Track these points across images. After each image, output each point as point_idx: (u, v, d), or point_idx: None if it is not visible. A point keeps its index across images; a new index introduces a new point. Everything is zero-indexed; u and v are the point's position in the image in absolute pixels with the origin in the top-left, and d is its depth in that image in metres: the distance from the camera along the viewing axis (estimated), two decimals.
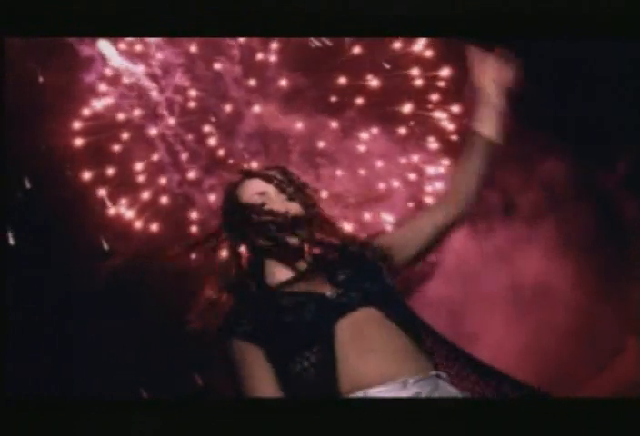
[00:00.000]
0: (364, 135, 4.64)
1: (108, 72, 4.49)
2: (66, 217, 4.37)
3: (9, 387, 2.55)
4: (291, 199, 2.22)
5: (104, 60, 4.45)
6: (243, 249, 2.21)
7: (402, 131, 4.65)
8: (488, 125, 2.20)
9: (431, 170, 4.68)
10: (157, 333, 4.29)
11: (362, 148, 4.66)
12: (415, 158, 4.66)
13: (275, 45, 4.61)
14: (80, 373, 4.07)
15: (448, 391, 1.98)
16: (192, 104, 4.62)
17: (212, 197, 4.53)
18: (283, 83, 4.62)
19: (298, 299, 2.07)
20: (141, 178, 4.55)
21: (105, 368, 4.11)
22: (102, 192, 4.47)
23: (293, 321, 2.03)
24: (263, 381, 2.01)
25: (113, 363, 4.14)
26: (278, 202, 2.20)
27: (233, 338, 2.06)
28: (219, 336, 2.09)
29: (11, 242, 4.14)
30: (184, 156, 4.59)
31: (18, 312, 3.81)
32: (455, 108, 4.58)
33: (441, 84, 4.58)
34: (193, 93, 4.62)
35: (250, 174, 2.25)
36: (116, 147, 4.50)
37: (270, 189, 2.21)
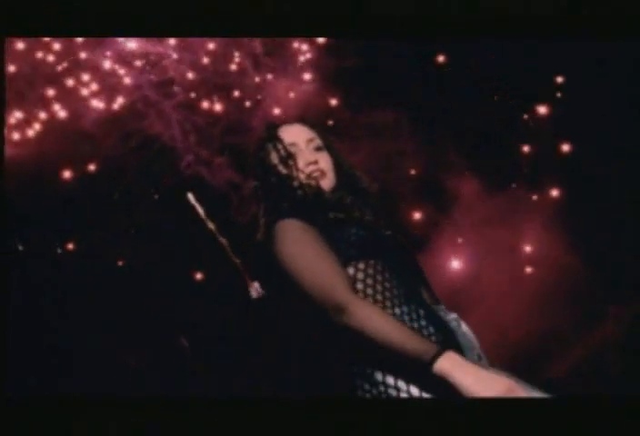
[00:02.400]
0: None
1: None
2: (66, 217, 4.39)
3: (9, 387, 2.56)
4: (318, 149, 2.29)
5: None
6: None
7: None
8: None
9: None
10: (157, 333, 4.30)
11: None
12: None
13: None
14: (80, 373, 4.07)
15: (467, 329, 2.08)
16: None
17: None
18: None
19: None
20: None
21: (105, 368, 4.11)
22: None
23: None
24: (331, 251, 1.99)
25: (113, 363, 4.15)
26: (307, 151, 2.26)
27: (290, 218, 2.05)
28: (269, 222, 2.09)
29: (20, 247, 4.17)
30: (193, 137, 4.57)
31: (18, 312, 3.82)
32: None
33: None
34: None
35: (277, 128, 2.30)
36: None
37: (300, 139, 2.27)
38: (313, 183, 2.20)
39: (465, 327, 2.08)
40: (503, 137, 4.49)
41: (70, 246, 4.43)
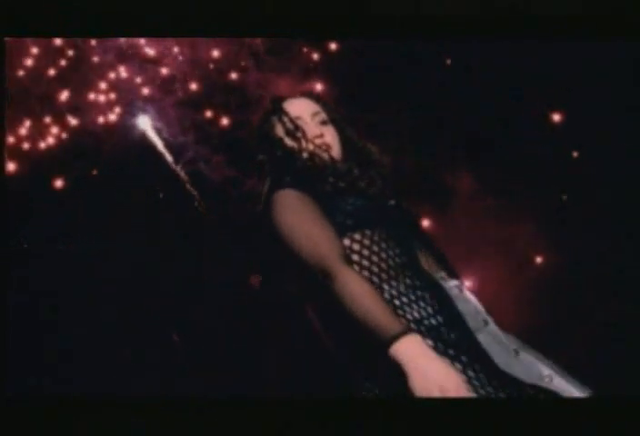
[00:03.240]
0: None
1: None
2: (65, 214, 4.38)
3: (9, 387, 2.55)
4: (324, 122, 2.25)
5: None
6: None
7: None
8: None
9: None
10: (157, 333, 4.29)
11: None
12: None
13: None
14: (80, 373, 4.07)
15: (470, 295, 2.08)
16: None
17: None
18: None
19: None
20: None
21: (105, 368, 4.11)
22: None
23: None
24: (326, 220, 1.98)
25: (113, 363, 4.14)
26: (312, 124, 2.23)
27: (287, 188, 2.03)
28: (268, 193, 2.07)
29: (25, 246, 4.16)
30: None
31: (18, 312, 3.81)
32: None
33: None
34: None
35: (282, 102, 2.26)
36: None
37: (305, 113, 2.24)
38: (322, 153, 2.18)
39: (467, 293, 2.06)
40: (505, 139, 4.49)
41: (70, 246, 4.43)
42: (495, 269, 4.31)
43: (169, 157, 4.23)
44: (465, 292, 2.06)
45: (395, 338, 1.79)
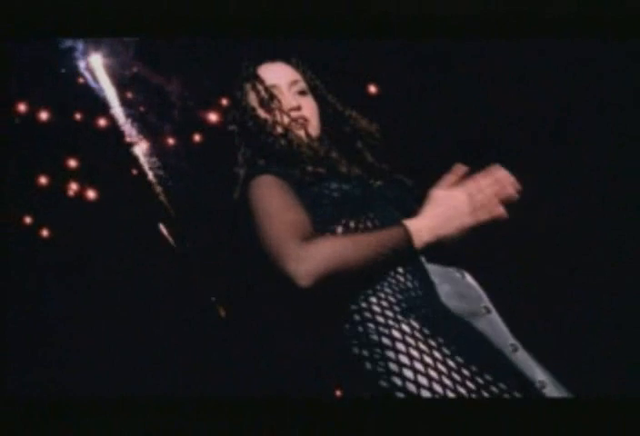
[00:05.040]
0: None
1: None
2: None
3: (9, 387, 2.55)
4: (302, 93, 2.07)
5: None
6: None
7: None
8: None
9: None
10: (157, 333, 4.29)
11: None
12: None
13: None
14: (80, 373, 4.07)
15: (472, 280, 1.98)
16: None
17: None
18: None
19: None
20: None
21: (105, 367, 4.11)
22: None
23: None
24: (300, 207, 1.80)
25: (113, 363, 4.14)
26: (289, 95, 2.05)
27: (263, 174, 1.86)
28: (244, 180, 1.89)
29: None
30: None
31: (18, 312, 3.81)
32: None
33: None
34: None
35: (257, 67, 2.07)
36: None
37: (282, 81, 2.05)
38: (298, 129, 2.00)
39: (469, 278, 1.97)
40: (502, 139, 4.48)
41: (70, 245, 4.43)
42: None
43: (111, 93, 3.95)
44: (467, 276, 1.96)
45: (408, 239, 1.79)
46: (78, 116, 4.23)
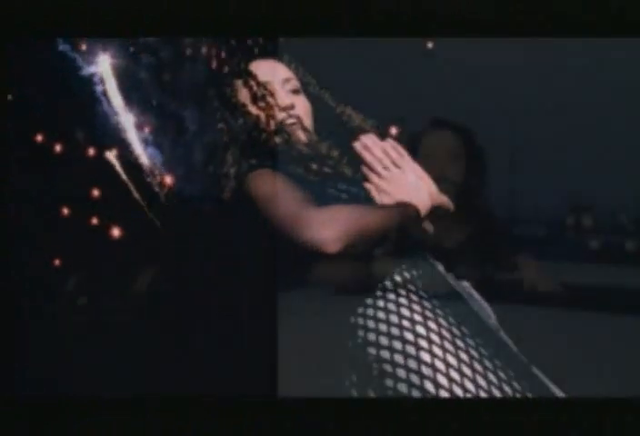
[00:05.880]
0: None
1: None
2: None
3: (10, 387, 2.55)
4: (295, 91, 2.00)
5: None
6: None
7: None
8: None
9: None
10: (157, 333, 4.29)
11: None
12: None
13: None
14: (80, 373, 4.07)
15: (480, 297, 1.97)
16: None
17: None
18: None
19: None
20: None
21: (105, 367, 4.10)
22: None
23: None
24: (297, 190, 1.73)
25: (113, 363, 4.14)
26: (282, 93, 1.97)
27: (260, 168, 1.80)
28: (240, 177, 1.81)
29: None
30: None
31: (19, 312, 3.81)
32: None
33: None
34: None
35: (248, 63, 2.01)
36: None
37: (274, 78, 1.97)
38: (291, 129, 1.93)
39: (476, 295, 1.95)
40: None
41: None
42: None
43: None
44: (474, 294, 1.95)
45: (416, 213, 1.80)
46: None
